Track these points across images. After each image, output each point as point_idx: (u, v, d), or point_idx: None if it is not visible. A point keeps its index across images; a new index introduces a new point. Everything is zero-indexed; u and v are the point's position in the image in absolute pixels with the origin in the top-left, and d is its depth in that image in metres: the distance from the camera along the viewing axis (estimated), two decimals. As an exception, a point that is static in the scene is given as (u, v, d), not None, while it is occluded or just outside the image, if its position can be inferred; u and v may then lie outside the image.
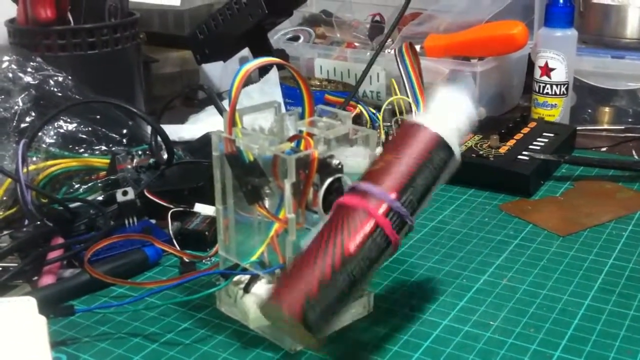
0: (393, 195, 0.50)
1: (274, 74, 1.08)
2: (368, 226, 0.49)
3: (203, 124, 0.99)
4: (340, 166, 0.53)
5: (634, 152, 0.95)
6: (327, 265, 0.48)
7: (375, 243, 0.49)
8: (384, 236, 0.49)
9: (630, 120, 1.05)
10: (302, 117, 0.56)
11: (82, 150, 0.79)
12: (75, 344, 0.55)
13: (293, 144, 0.53)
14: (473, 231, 0.72)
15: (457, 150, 0.54)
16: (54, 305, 0.57)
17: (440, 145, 0.53)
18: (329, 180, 0.52)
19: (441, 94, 0.56)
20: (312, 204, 0.53)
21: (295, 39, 1.28)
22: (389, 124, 0.90)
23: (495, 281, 0.62)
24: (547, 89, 1.00)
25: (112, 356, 0.53)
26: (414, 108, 0.89)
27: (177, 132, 0.98)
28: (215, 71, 1.23)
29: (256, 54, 1.13)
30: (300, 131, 0.54)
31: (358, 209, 0.49)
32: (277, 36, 1.27)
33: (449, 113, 0.55)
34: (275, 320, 0.50)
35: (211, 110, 1.03)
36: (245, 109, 0.55)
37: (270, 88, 1.05)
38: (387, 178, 0.51)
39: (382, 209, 0.50)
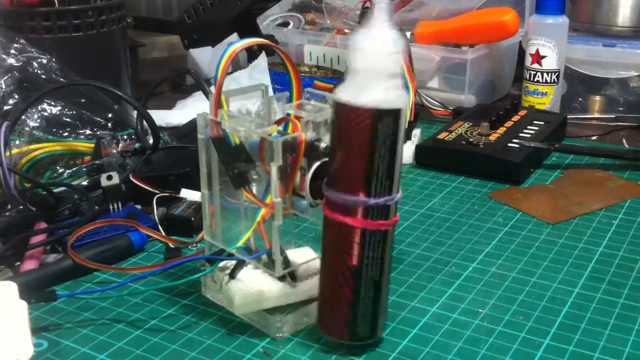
0: (362, 195, 0.47)
1: (262, 60, 1.07)
2: (357, 237, 0.48)
3: (190, 109, 0.98)
4: (327, 150, 0.51)
5: (624, 141, 0.95)
6: (345, 287, 0.49)
7: (371, 244, 0.48)
8: (377, 232, 0.48)
9: (621, 109, 1.05)
10: (290, 100, 0.55)
11: (66, 134, 0.78)
12: (57, 330, 0.53)
13: (280, 127, 0.52)
14: (462, 219, 0.71)
15: (399, 103, 0.47)
16: (35, 291, 0.56)
17: (379, 115, 0.46)
18: (317, 164, 0.51)
19: (359, 39, 0.47)
20: (300, 188, 0.52)
21: (284, 24, 1.27)
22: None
23: (484, 269, 0.62)
24: (538, 76, 0.99)
25: (94, 342, 0.52)
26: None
27: (164, 117, 0.97)
28: (204, 57, 1.21)
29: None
30: (288, 114, 0.53)
31: (340, 223, 0.48)
32: (267, 22, 1.26)
33: (373, 64, 0.46)
34: None
35: (199, 96, 1.02)
36: (232, 91, 0.54)
37: (259, 74, 1.04)
38: (348, 179, 0.47)
39: (359, 213, 0.48)
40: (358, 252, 0.48)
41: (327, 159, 0.51)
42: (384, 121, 0.46)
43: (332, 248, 0.50)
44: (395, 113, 0.46)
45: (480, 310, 0.56)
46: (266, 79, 1.02)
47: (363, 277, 0.49)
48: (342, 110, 0.47)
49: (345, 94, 0.47)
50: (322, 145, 0.52)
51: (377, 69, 0.46)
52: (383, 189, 0.48)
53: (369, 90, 0.46)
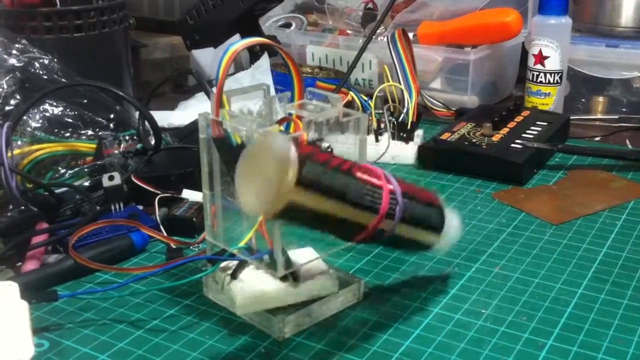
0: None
1: (264, 60, 1.07)
2: (376, 181, 0.49)
3: (192, 110, 0.98)
4: (330, 149, 0.51)
5: (627, 142, 0.94)
6: (337, 161, 0.48)
7: (372, 194, 0.49)
8: (380, 199, 0.49)
9: (624, 110, 1.04)
10: (291, 100, 0.55)
11: (68, 134, 0.78)
12: (59, 330, 0.53)
13: (282, 127, 0.52)
14: (465, 219, 0.71)
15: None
16: (37, 291, 0.55)
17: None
18: (319, 164, 0.51)
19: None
20: (302, 188, 0.51)
21: (287, 25, 1.27)
22: (380, 111, 0.89)
23: (487, 269, 0.62)
24: (541, 77, 0.99)
25: (95, 343, 0.52)
26: (406, 96, 0.88)
27: (166, 118, 0.97)
28: (206, 58, 1.21)
29: (247, 40, 1.11)
30: (290, 114, 0.53)
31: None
32: (269, 23, 1.25)
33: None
34: (259, 163, 0.46)
35: (201, 97, 1.02)
36: (234, 90, 0.53)
37: (261, 75, 1.04)
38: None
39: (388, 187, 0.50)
40: (366, 178, 0.49)
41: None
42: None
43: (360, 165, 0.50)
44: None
45: (483, 311, 0.55)
46: (268, 80, 1.02)
47: (350, 180, 0.48)
48: None
49: None
50: (324, 144, 0.51)
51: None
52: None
53: None
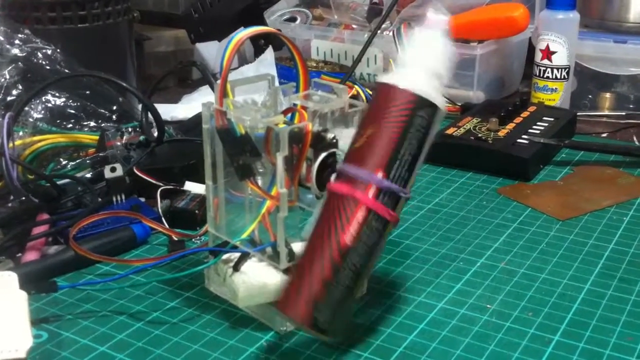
0: (380, 175, 0.47)
1: (269, 54, 1.07)
2: (360, 214, 0.47)
3: (196, 104, 0.97)
4: (335, 140, 0.51)
5: (635, 138, 0.93)
6: (327, 262, 0.46)
7: (371, 228, 0.47)
8: (380, 219, 0.47)
9: (631, 106, 1.03)
10: (296, 91, 0.54)
11: (70, 125, 0.77)
12: (58, 322, 0.53)
13: (286, 118, 0.51)
14: (470, 214, 0.70)
15: (440, 102, 0.48)
16: (36, 282, 0.55)
17: (419, 104, 0.47)
18: (323, 155, 0.50)
19: (413, 37, 0.51)
20: (306, 179, 0.51)
21: (292, 20, 1.26)
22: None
23: (492, 264, 0.61)
24: (548, 72, 0.98)
25: (95, 334, 0.51)
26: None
27: (170, 111, 0.97)
28: (210, 51, 1.21)
29: (252, 33, 1.10)
30: (295, 104, 0.52)
31: (347, 197, 0.47)
32: (274, 17, 1.24)
33: (424, 60, 0.49)
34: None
35: (205, 90, 1.01)
36: (238, 80, 0.53)
37: (265, 68, 1.03)
38: (370, 156, 0.47)
39: (372, 192, 0.47)
40: (355, 231, 0.46)
41: (334, 149, 0.51)
42: (422, 111, 0.47)
43: (328, 220, 0.47)
44: (433, 108, 0.48)
45: (488, 306, 0.55)
46: (273, 73, 1.01)
47: (349, 260, 0.46)
48: (385, 90, 0.48)
49: (392, 78, 0.48)
50: (329, 136, 0.51)
51: (430, 66, 0.49)
52: (401, 177, 0.48)
53: (417, 80, 0.48)
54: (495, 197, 0.74)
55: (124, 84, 0.77)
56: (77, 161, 0.76)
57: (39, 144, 0.75)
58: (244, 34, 0.50)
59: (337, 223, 0.47)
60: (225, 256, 0.55)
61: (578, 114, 0.96)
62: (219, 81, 0.51)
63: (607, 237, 0.65)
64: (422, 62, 0.49)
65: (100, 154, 0.75)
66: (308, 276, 0.46)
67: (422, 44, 0.50)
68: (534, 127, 0.87)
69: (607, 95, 1.04)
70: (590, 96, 1.05)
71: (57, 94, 0.77)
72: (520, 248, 0.64)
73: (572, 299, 0.55)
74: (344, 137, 0.53)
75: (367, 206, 0.47)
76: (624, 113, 1.01)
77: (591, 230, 0.67)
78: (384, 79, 0.49)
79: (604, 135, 0.95)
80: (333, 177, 0.49)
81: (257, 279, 0.52)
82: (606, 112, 1.03)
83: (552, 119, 0.90)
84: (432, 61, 0.49)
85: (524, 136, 0.84)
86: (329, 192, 0.48)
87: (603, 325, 0.52)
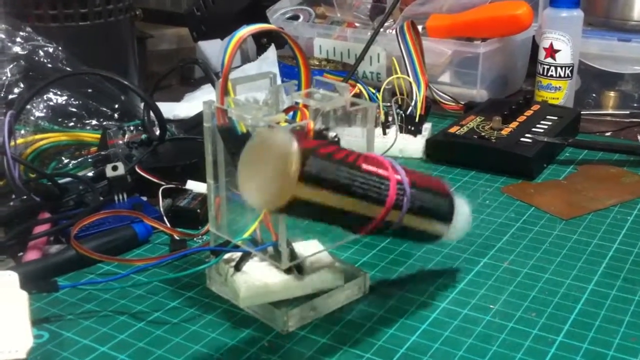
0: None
1: (272, 52, 1.06)
2: (383, 171, 0.48)
3: (199, 102, 0.97)
4: (337, 139, 0.50)
5: (639, 137, 0.93)
6: (342, 154, 0.46)
7: (379, 185, 0.48)
8: (387, 190, 0.48)
9: (635, 105, 1.03)
10: (298, 89, 0.54)
11: (72, 124, 0.77)
12: (59, 322, 0.52)
13: (288, 116, 0.51)
14: (474, 213, 0.69)
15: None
16: (37, 281, 0.55)
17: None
18: (325, 154, 0.50)
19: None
20: (307, 179, 0.50)
21: (294, 18, 1.26)
22: (388, 104, 0.88)
23: (496, 264, 0.60)
24: (552, 71, 0.98)
25: (96, 334, 0.51)
26: (414, 88, 0.87)
27: (172, 110, 0.96)
28: (213, 49, 1.20)
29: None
30: (296, 103, 0.52)
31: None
32: (277, 15, 1.24)
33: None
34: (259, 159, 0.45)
35: (207, 88, 1.01)
36: (239, 78, 0.52)
37: (268, 66, 1.03)
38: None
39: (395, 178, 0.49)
40: (372, 169, 0.48)
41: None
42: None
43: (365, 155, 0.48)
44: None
45: (491, 306, 0.54)
46: (275, 72, 1.00)
47: (355, 172, 0.47)
48: None
49: None
50: (331, 134, 0.50)
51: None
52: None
53: None
54: (499, 196, 0.74)
55: (126, 82, 0.77)
56: (79, 160, 0.75)
57: (41, 143, 0.74)
58: (245, 31, 0.50)
59: (367, 157, 0.48)
60: (226, 256, 0.54)
61: (582, 112, 0.96)
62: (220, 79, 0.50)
63: (611, 237, 0.65)
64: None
65: (102, 153, 0.75)
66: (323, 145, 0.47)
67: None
68: (538, 125, 0.87)
69: (611, 93, 1.03)
70: (594, 95, 1.04)
71: (58, 92, 0.77)
72: (524, 248, 0.63)
73: (576, 299, 0.55)
74: (346, 135, 0.53)
75: (390, 178, 0.49)
76: (628, 112, 1.01)
77: (595, 229, 0.66)
78: None
79: (608, 134, 0.95)
80: None
81: (258, 279, 0.52)
82: (610, 111, 1.03)
83: (555, 118, 0.89)
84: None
85: (527, 135, 0.83)
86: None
87: (607, 326, 0.52)
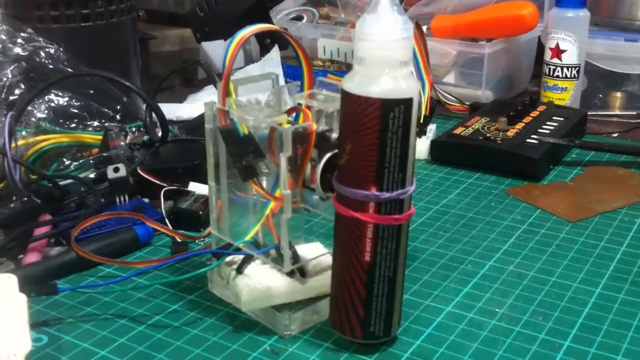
0: (373, 189, 0.45)
1: (275, 53, 1.05)
2: (369, 232, 0.46)
3: (201, 103, 0.96)
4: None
5: (646, 139, 0.92)
6: (359, 285, 0.47)
7: (386, 238, 0.46)
8: (390, 227, 0.46)
9: (642, 106, 1.02)
10: (301, 90, 0.53)
11: (73, 125, 0.77)
12: (58, 325, 0.52)
13: (291, 117, 0.50)
14: (479, 215, 0.69)
15: (409, 91, 0.44)
16: (36, 284, 0.54)
17: (387, 105, 0.43)
18: (328, 155, 0.49)
19: (360, 26, 0.44)
20: (310, 180, 0.50)
21: (298, 18, 1.25)
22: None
23: (501, 267, 0.60)
24: (558, 71, 0.97)
25: (96, 338, 0.50)
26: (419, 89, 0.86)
27: (174, 111, 0.96)
28: (216, 50, 1.20)
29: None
30: (299, 104, 0.51)
31: (351, 218, 0.46)
32: (280, 16, 1.24)
33: (378, 52, 0.44)
34: None
35: (210, 90, 1.00)
36: (241, 79, 0.52)
37: (271, 67, 1.02)
38: (358, 174, 0.45)
39: (372, 208, 0.45)
40: (371, 248, 0.46)
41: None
42: (394, 112, 0.44)
43: (344, 244, 0.47)
44: (405, 103, 0.44)
45: (497, 310, 0.53)
46: (279, 73, 1.00)
47: (377, 273, 0.47)
48: (349, 101, 0.45)
49: (353, 83, 0.45)
50: (334, 136, 0.50)
51: (385, 57, 0.44)
52: (395, 182, 0.45)
53: (377, 79, 0.44)
54: (504, 198, 0.73)
55: (128, 84, 0.76)
56: (80, 161, 0.75)
57: (42, 144, 0.74)
58: (247, 31, 0.49)
59: (352, 246, 0.47)
60: (228, 258, 0.54)
61: (588, 113, 0.95)
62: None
63: (618, 239, 0.64)
64: (379, 55, 0.44)
65: (104, 154, 0.74)
66: (349, 303, 0.48)
67: (375, 32, 0.43)
68: (544, 126, 0.86)
69: (618, 94, 1.02)
70: (600, 95, 1.03)
71: (60, 94, 0.77)
72: (530, 250, 0.62)
73: (583, 303, 0.54)
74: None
75: (373, 223, 0.46)
76: (635, 112, 1.00)
77: (602, 232, 0.66)
78: (345, 84, 0.45)
79: (615, 135, 0.94)
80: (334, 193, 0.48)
81: (261, 282, 0.51)
82: (617, 112, 1.02)
83: (562, 119, 0.89)
84: (390, 50, 0.44)
85: (533, 136, 0.82)
86: (336, 215, 0.48)
87: (615, 330, 0.51)
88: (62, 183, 0.69)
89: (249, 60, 1.20)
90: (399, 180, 0.45)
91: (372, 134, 0.44)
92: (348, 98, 0.45)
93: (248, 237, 0.52)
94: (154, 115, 0.76)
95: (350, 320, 0.48)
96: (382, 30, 0.44)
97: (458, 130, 0.84)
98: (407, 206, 0.47)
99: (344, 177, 0.46)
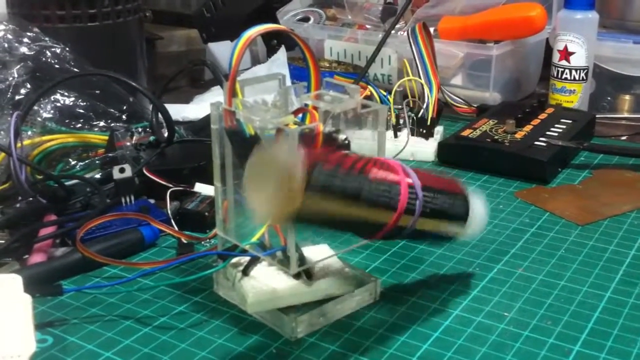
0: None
1: (282, 54, 1.05)
2: (394, 176, 0.47)
3: (208, 104, 0.96)
4: (347, 142, 0.49)
5: (655, 142, 0.91)
6: (349, 161, 0.46)
7: (389, 191, 0.46)
8: (397, 195, 0.47)
9: (651, 109, 1.01)
10: (308, 90, 0.53)
11: (79, 125, 0.76)
12: (63, 326, 0.51)
13: (297, 118, 0.50)
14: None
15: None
16: (41, 285, 0.54)
17: None
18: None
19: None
20: (317, 182, 0.49)
21: (305, 20, 1.25)
22: (400, 106, 0.86)
23: (510, 270, 0.59)
24: (566, 73, 0.96)
25: (101, 339, 0.50)
26: (426, 91, 0.86)
27: (181, 111, 0.96)
28: (223, 51, 1.20)
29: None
30: (306, 104, 0.51)
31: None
32: (287, 17, 1.23)
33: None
34: (262, 169, 0.44)
35: (217, 90, 1.00)
36: (247, 80, 0.51)
37: (277, 68, 1.02)
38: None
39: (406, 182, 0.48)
40: (381, 177, 0.47)
41: (346, 151, 0.49)
42: None
43: (372, 160, 0.47)
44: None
45: (505, 314, 0.53)
46: (285, 73, 0.99)
47: (363, 181, 0.46)
48: None
49: None
50: (341, 137, 0.49)
51: None
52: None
53: None
54: (513, 201, 0.73)
55: (134, 84, 0.76)
56: (86, 161, 0.75)
57: (48, 144, 0.74)
58: (253, 31, 0.49)
59: (377, 163, 0.47)
60: (234, 260, 0.53)
61: (597, 116, 0.94)
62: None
63: (628, 243, 0.64)
64: None
65: (110, 155, 0.74)
66: (331, 156, 0.46)
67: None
68: (552, 129, 0.85)
69: (627, 97, 1.02)
70: (609, 98, 1.03)
71: (66, 93, 0.76)
72: (539, 254, 0.62)
73: (593, 307, 0.54)
74: (357, 138, 0.51)
75: (401, 182, 0.47)
76: (644, 115, 0.99)
77: (612, 235, 0.65)
78: None
79: (624, 138, 0.93)
80: None
81: (267, 284, 0.51)
82: (626, 115, 1.01)
83: (570, 121, 0.88)
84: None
85: (541, 138, 0.82)
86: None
87: (625, 335, 0.50)
88: (67, 183, 0.69)
89: (256, 61, 1.20)
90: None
91: None
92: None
93: (254, 239, 0.52)
94: (160, 115, 0.75)
95: (316, 156, 0.46)
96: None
97: (465, 132, 0.83)
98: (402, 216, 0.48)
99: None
